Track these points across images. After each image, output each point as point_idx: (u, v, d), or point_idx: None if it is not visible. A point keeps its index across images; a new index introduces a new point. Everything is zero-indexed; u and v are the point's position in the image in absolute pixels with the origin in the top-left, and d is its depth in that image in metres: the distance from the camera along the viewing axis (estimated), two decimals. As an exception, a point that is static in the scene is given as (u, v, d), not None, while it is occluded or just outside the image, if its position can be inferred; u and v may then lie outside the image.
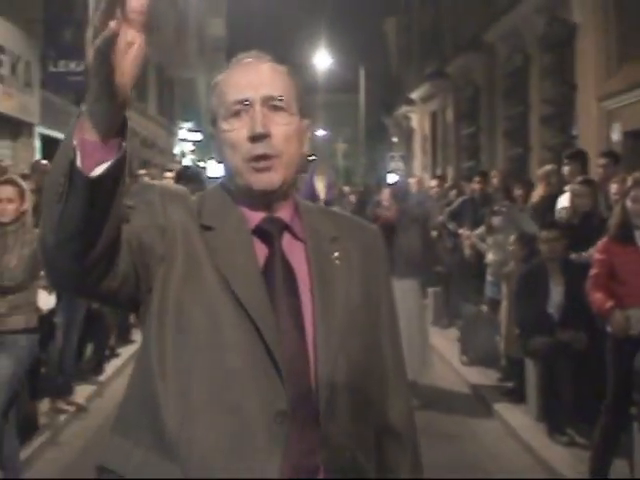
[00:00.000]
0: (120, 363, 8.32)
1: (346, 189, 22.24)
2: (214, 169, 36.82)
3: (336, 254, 1.60)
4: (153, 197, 1.52)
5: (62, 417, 6.39)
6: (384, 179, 24.97)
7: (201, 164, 35.62)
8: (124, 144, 1.27)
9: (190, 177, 7.08)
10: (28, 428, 5.66)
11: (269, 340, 1.45)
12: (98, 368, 7.75)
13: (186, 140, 30.64)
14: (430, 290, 11.10)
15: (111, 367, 8.09)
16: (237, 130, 1.53)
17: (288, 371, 1.45)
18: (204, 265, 1.49)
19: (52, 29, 12.85)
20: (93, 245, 1.31)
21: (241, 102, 1.53)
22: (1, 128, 12.25)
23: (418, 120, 25.42)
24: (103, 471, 1.51)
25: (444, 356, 8.88)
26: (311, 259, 1.57)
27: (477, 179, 10.06)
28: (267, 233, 1.57)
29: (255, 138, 1.51)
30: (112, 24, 1.16)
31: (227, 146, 1.55)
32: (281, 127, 1.54)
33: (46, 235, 1.32)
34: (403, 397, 1.69)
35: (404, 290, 6.73)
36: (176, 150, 29.09)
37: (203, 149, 34.35)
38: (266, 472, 1.41)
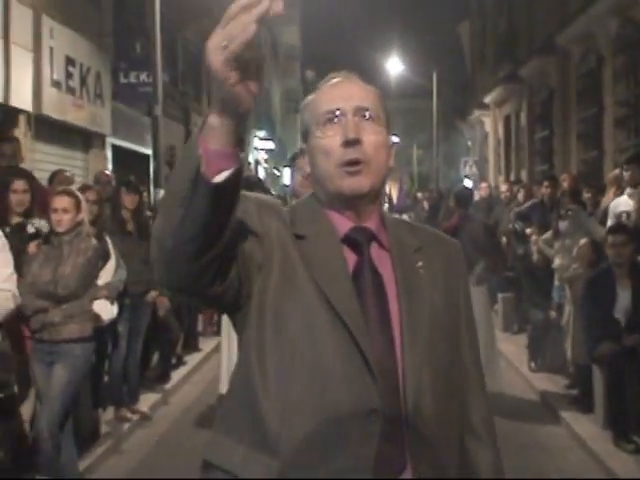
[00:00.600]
0: (186, 371, 8.47)
1: (420, 195, 22.20)
2: (289, 177, 37.28)
3: (420, 264, 1.67)
4: (250, 207, 1.59)
5: (125, 425, 6.46)
6: (458, 184, 24.75)
7: (276, 172, 36.14)
8: (242, 154, 1.39)
9: (250, 186, 7.19)
10: (90, 437, 5.77)
11: (361, 342, 1.52)
12: (164, 376, 7.83)
13: (259, 149, 31.00)
14: (500, 296, 10.97)
15: (177, 375, 8.21)
16: (330, 137, 1.62)
17: (378, 373, 1.52)
18: (299, 272, 1.57)
19: (122, 41, 13.23)
20: (209, 248, 1.41)
21: (334, 112, 1.62)
22: (73, 139, 12.67)
23: (492, 124, 25.10)
24: (209, 466, 1.61)
25: (513, 363, 8.78)
26: (397, 268, 1.65)
27: (546, 183, 9.91)
28: (356, 242, 1.64)
29: (348, 143, 1.59)
30: (251, 27, 1.23)
31: (320, 153, 1.63)
32: (371, 136, 1.62)
33: (165, 238, 1.42)
34: (483, 400, 1.76)
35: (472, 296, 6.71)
36: (250, 159, 29.43)
37: (277, 157, 34.73)
38: (360, 468, 1.49)
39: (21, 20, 10.40)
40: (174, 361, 8.42)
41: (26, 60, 10.66)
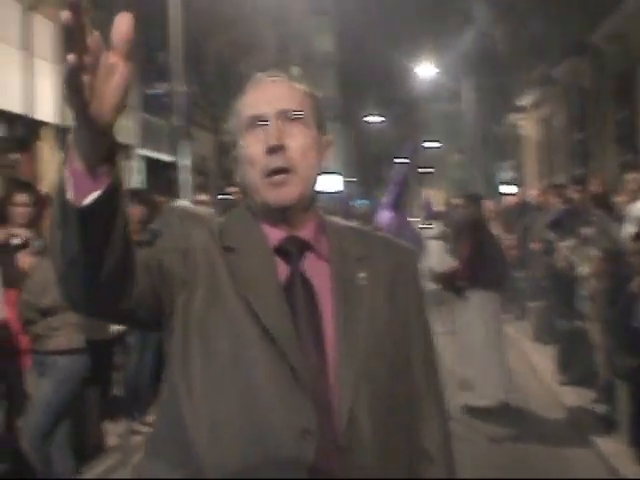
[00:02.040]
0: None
1: (454, 201, 21.86)
2: (330, 184, 37.30)
3: (362, 275, 1.57)
4: (173, 220, 1.54)
5: (136, 438, 6.34)
6: (495, 189, 24.35)
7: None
8: (114, 171, 1.26)
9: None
10: (95, 450, 5.69)
11: (291, 358, 1.45)
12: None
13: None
14: (531, 305, 10.70)
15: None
16: (253, 145, 1.54)
17: (310, 390, 1.45)
18: (226, 287, 1.49)
19: (150, 52, 13.24)
20: (97, 270, 1.32)
21: (257, 118, 1.55)
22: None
23: (528, 127, 24.71)
24: None
25: (542, 374, 8.52)
26: (334, 279, 1.56)
27: (576, 187, 9.59)
28: (288, 253, 1.56)
29: (270, 150, 1.51)
30: (71, 57, 1.14)
31: (245, 162, 1.56)
32: (297, 139, 1.54)
33: (53, 259, 1.35)
34: (436, 422, 1.64)
35: (481, 302, 6.57)
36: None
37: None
38: None
39: (42, 32, 10.45)
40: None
41: (48, 72, 10.70)
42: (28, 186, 5.39)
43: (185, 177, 12.99)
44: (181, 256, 1.51)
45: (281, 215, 1.56)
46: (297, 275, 1.54)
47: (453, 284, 7.29)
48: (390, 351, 1.55)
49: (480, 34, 27.62)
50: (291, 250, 1.56)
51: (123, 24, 1.18)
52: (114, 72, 1.18)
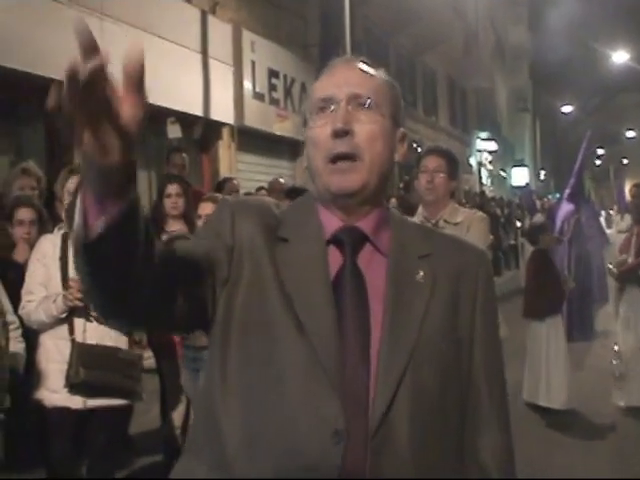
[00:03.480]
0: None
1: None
2: (518, 178, 36.26)
3: (421, 273, 1.49)
4: (224, 216, 1.50)
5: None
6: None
7: (502, 173, 35.09)
8: (124, 203, 1.18)
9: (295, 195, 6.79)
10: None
11: (326, 363, 1.38)
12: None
13: (483, 150, 30.19)
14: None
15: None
16: (320, 127, 1.48)
17: (347, 392, 1.37)
18: (271, 282, 1.44)
19: (327, 52, 13.33)
20: (130, 292, 1.28)
21: (326, 100, 1.49)
22: (279, 149, 12.96)
23: None
24: None
25: None
26: (390, 274, 1.47)
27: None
28: (342, 243, 1.49)
29: (336, 134, 1.44)
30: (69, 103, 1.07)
31: (311, 144, 1.50)
32: (366, 125, 1.46)
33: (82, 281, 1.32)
34: (498, 438, 1.52)
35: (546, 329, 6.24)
36: (472, 161, 28.75)
37: (502, 158, 33.69)
38: None
39: (220, 35, 10.78)
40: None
41: (226, 74, 11.03)
42: (179, 178, 5.47)
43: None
44: (227, 253, 1.45)
45: (342, 203, 1.49)
46: (349, 267, 1.46)
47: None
48: (441, 358, 1.44)
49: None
50: (346, 240, 1.48)
51: (135, 54, 1.12)
52: (127, 106, 1.12)
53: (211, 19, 10.53)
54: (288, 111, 12.69)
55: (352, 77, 1.51)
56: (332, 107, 1.47)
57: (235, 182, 7.18)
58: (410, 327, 1.42)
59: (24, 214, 4.67)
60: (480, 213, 4.02)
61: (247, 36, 11.48)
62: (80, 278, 1.31)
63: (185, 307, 1.41)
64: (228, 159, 11.39)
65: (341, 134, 1.44)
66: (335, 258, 1.47)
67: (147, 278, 1.29)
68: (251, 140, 11.99)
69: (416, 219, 4.01)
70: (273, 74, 12.34)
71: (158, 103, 9.10)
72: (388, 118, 1.50)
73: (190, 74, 10.01)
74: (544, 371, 6.54)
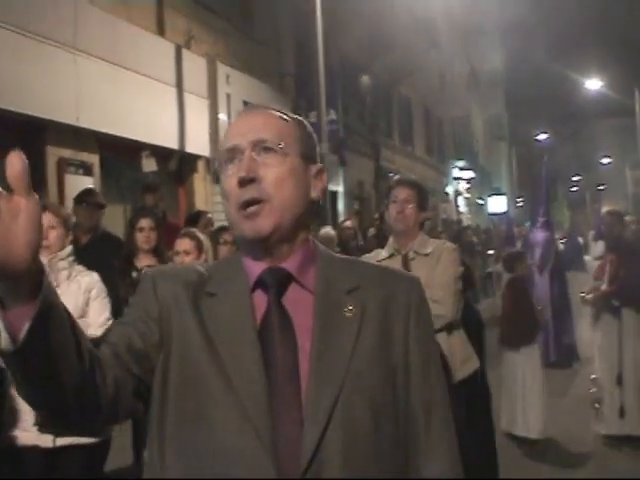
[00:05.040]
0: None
1: (627, 218, 20.55)
2: (495, 205, 36.48)
3: (349, 307, 1.48)
4: (147, 286, 1.52)
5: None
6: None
7: (479, 201, 35.30)
8: (34, 309, 1.17)
9: None
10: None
11: (255, 420, 1.37)
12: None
13: (460, 179, 30.41)
14: None
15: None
16: (229, 177, 1.50)
17: (279, 441, 1.36)
18: (197, 339, 1.44)
19: (302, 82, 13.41)
20: (64, 392, 1.29)
21: (231, 150, 1.51)
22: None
23: None
24: None
25: None
26: (317, 312, 1.47)
27: None
28: (267, 285, 1.50)
29: (242, 183, 1.46)
30: None
31: (223, 195, 1.52)
32: (272, 169, 1.48)
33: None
34: (440, 464, 1.50)
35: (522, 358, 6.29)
36: (449, 189, 28.93)
37: (479, 186, 33.92)
38: None
39: (195, 69, 10.81)
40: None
41: (201, 107, 11.05)
42: (151, 212, 5.46)
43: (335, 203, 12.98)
44: (154, 319, 1.47)
45: (261, 247, 1.50)
46: (274, 308, 1.47)
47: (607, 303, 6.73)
48: (374, 391, 1.44)
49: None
50: (269, 282, 1.49)
51: (15, 163, 1.14)
52: (18, 214, 1.14)
53: (185, 53, 10.57)
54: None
55: (255, 123, 1.52)
56: (238, 156, 1.49)
57: (209, 216, 7.17)
58: (338, 362, 1.42)
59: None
60: (449, 244, 4.02)
61: (222, 69, 11.53)
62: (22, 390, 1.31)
63: (138, 389, 1.44)
64: (204, 192, 11.38)
65: (246, 182, 1.46)
66: (261, 301, 1.48)
67: (84, 384, 1.31)
68: (227, 172, 12.01)
69: (386, 250, 4.01)
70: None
71: (133, 137, 9.15)
72: (297, 157, 1.52)
73: (165, 107, 10.02)
74: (520, 400, 6.52)
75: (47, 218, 3.93)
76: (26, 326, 1.17)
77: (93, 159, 8.62)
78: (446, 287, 3.71)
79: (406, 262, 3.86)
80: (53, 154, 8.03)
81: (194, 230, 5.29)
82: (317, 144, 1.61)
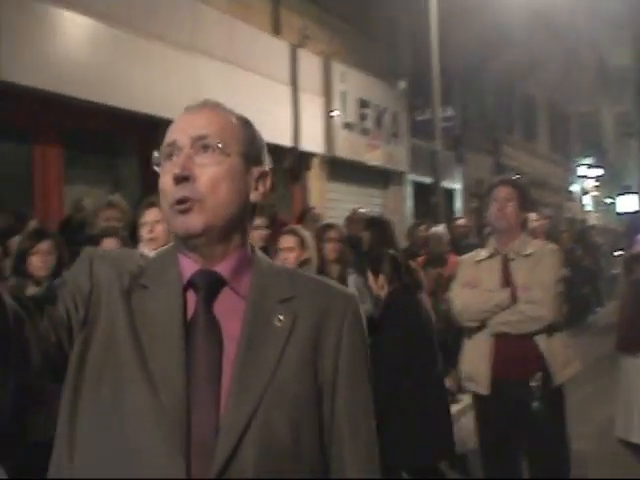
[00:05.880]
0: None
1: None
2: (624, 204, 34.91)
3: (280, 317, 1.46)
4: (84, 264, 1.49)
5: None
6: None
7: (608, 200, 33.92)
8: None
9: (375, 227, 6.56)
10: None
11: (170, 414, 1.36)
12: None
13: (586, 177, 29.33)
14: None
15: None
16: (165, 174, 1.47)
17: (194, 441, 1.35)
18: (123, 328, 1.42)
19: (418, 79, 13.30)
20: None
21: (170, 145, 1.48)
22: (370, 178, 12.96)
23: None
24: None
25: None
26: (245, 319, 1.44)
27: None
28: (197, 287, 1.47)
29: (177, 180, 1.44)
30: None
31: (160, 192, 1.49)
32: (207, 168, 1.45)
33: None
34: (355, 469, 1.49)
35: None
36: (574, 187, 27.96)
37: (608, 184, 32.62)
38: None
39: (310, 67, 10.92)
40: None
41: (316, 105, 11.15)
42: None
43: (452, 201, 12.81)
44: (83, 297, 1.44)
45: (193, 246, 1.47)
46: (202, 311, 1.44)
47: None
48: (296, 403, 1.42)
49: None
50: (200, 284, 1.46)
51: None
52: None
53: (300, 52, 10.69)
54: (379, 140, 12.71)
55: (197, 120, 1.49)
56: (176, 152, 1.46)
57: (316, 211, 7.21)
58: (262, 370, 1.40)
59: (109, 244, 4.83)
60: (551, 245, 3.90)
61: (337, 67, 11.59)
62: None
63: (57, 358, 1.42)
64: (318, 189, 11.48)
65: (180, 180, 1.43)
66: (192, 303, 1.46)
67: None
68: (341, 170, 12.06)
69: (486, 250, 3.92)
70: (364, 104, 12.38)
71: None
72: (237, 157, 1.48)
73: (280, 106, 10.18)
74: (638, 407, 6.23)
75: (154, 213, 4.09)
76: None
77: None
78: (546, 288, 3.60)
79: (506, 262, 3.77)
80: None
81: (297, 227, 5.33)
82: (264, 146, 1.57)
